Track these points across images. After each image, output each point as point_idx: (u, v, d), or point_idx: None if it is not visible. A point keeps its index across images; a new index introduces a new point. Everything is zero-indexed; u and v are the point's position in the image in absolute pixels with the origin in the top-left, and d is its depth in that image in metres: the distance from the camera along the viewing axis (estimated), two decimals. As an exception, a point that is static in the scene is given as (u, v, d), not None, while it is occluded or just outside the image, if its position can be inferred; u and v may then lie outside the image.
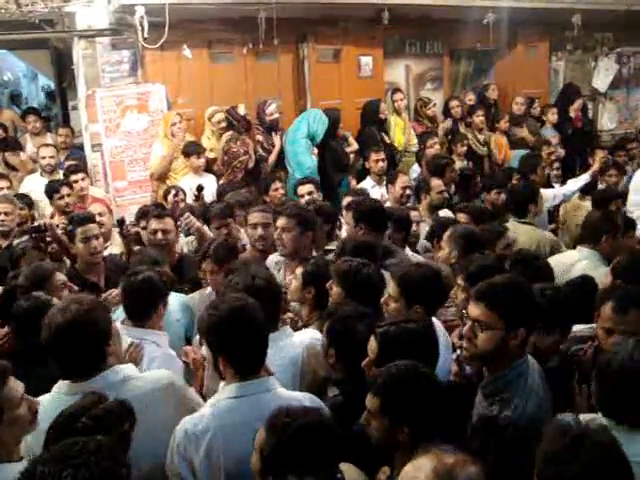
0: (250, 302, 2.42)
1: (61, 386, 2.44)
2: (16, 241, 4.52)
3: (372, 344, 2.50)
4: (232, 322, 2.34)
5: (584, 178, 6.28)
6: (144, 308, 3.04)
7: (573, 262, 4.04)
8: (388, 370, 2.17)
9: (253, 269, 3.08)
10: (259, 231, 4.14)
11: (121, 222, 4.96)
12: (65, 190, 5.38)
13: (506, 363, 2.41)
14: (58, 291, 3.31)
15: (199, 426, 2.23)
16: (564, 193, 6.11)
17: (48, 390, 2.45)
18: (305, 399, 2.39)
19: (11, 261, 4.11)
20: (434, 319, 2.94)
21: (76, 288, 3.46)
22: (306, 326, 3.24)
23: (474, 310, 2.42)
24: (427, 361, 2.34)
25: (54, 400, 2.35)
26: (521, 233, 4.54)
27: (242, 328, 2.33)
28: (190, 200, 5.48)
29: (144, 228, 4.70)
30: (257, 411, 2.24)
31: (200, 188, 5.35)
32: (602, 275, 3.53)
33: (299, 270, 3.32)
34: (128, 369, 2.52)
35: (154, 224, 4.33)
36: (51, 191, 5.44)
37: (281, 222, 3.89)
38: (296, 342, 2.93)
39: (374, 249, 3.65)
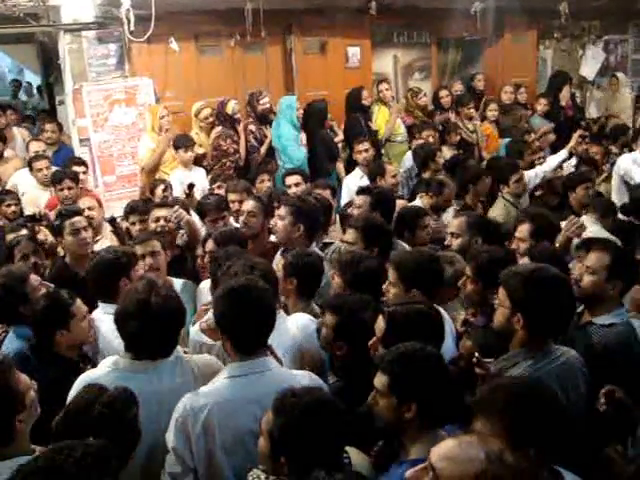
0: (256, 284, 2.46)
1: (118, 362, 2.49)
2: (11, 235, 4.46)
3: (380, 323, 2.58)
4: (232, 301, 2.40)
5: (562, 154, 6.46)
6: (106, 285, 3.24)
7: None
8: (396, 349, 2.23)
9: (249, 258, 3.13)
10: (242, 218, 4.27)
11: (112, 220, 4.96)
12: (67, 182, 5.35)
13: (517, 344, 2.58)
14: (36, 292, 3.28)
15: (198, 402, 2.30)
16: (545, 170, 6.26)
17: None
18: (304, 377, 2.45)
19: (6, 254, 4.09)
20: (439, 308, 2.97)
21: (52, 286, 3.41)
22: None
23: (500, 291, 2.65)
24: (432, 341, 2.41)
25: (116, 377, 2.42)
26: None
27: (242, 308, 2.38)
28: (181, 196, 5.45)
29: (133, 224, 4.73)
30: (254, 389, 2.34)
31: (191, 186, 5.33)
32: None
33: (281, 262, 3.34)
34: (180, 350, 2.60)
35: (156, 212, 4.48)
36: (55, 180, 5.44)
37: (278, 210, 3.99)
38: (291, 325, 2.98)
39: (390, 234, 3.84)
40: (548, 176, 6.17)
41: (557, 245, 3.75)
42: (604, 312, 2.96)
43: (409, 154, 6.98)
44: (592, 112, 9.90)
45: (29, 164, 6.03)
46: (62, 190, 5.33)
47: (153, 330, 2.45)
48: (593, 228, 4.49)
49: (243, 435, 2.31)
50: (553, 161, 6.41)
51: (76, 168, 5.70)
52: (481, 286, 3.11)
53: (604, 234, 4.50)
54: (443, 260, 3.36)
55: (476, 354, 2.66)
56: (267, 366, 2.42)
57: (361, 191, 4.58)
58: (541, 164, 6.52)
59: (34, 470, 1.66)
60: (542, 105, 8.32)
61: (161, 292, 2.52)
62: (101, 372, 2.50)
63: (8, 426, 2.07)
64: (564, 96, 8.66)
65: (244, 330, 2.38)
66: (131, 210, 4.81)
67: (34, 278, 3.37)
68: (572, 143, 6.59)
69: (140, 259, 3.60)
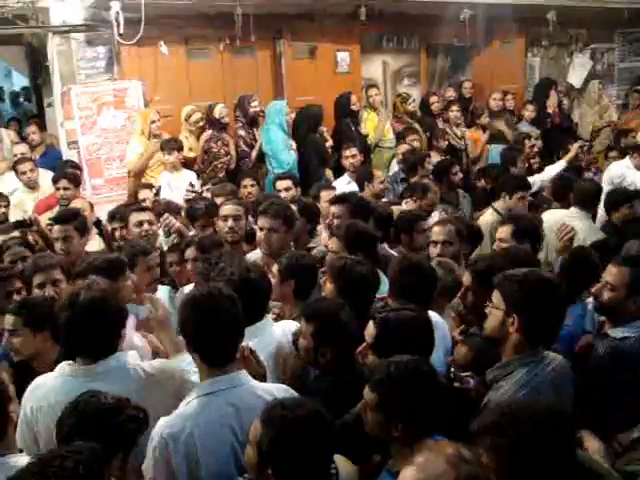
0: (221, 291, 2.35)
1: (64, 367, 2.48)
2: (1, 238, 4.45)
3: (370, 329, 2.55)
4: (196, 310, 2.30)
5: (560, 164, 6.51)
6: None
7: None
8: (388, 367, 2.16)
9: (244, 261, 3.12)
10: (229, 223, 4.11)
11: (98, 223, 4.95)
12: (63, 183, 5.34)
13: (510, 350, 2.54)
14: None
15: (174, 428, 2.20)
16: (542, 179, 6.29)
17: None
18: (280, 390, 2.38)
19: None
20: (433, 314, 2.94)
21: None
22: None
23: (494, 295, 2.61)
24: (423, 348, 2.40)
25: (60, 382, 2.44)
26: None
27: (206, 317, 2.28)
28: (180, 197, 5.43)
29: (115, 229, 4.70)
30: (230, 407, 2.26)
31: (191, 186, 5.34)
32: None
33: (275, 267, 3.28)
34: (131, 356, 2.55)
35: (137, 216, 4.38)
36: (53, 180, 5.45)
37: (267, 223, 3.80)
38: (277, 330, 2.92)
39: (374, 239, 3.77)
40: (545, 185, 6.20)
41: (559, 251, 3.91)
42: (621, 324, 2.97)
43: (395, 160, 7.02)
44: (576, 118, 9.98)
45: (13, 167, 6.00)
46: (58, 190, 5.34)
47: (81, 327, 2.42)
48: (584, 223, 4.53)
49: (225, 456, 2.22)
50: (552, 171, 6.42)
51: (71, 170, 5.68)
52: (482, 294, 2.96)
53: (596, 231, 4.56)
54: (443, 267, 3.35)
55: (452, 369, 2.64)
56: (240, 380, 2.31)
57: (335, 202, 4.44)
58: (539, 170, 6.57)
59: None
60: (529, 111, 8.40)
61: (92, 289, 2.52)
62: (49, 377, 2.49)
63: (2, 416, 2.08)
64: (551, 104, 8.72)
65: (210, 341, 2.27)
66: (111, 217, 4.81)
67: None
68: (572, 154, 6.62)
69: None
